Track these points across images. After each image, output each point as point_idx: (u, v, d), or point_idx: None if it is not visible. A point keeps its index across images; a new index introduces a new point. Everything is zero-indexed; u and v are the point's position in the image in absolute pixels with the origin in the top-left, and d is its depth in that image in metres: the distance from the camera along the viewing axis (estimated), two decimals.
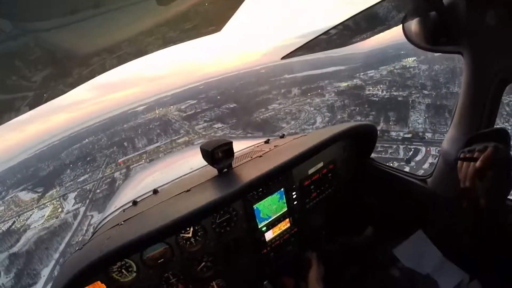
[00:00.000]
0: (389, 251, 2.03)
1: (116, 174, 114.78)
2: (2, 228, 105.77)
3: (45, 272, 69.60)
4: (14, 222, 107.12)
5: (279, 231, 2.40)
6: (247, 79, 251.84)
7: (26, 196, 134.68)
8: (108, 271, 1.86)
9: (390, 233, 2.32)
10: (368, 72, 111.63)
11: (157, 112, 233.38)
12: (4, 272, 75.09)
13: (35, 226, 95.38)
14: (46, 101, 1.06)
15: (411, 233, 1.97)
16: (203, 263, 2.16)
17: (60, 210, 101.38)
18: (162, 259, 2.00)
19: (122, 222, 2.04)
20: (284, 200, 2.33)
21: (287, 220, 2.41)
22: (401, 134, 65.82)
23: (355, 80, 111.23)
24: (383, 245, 2.24)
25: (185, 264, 2.09)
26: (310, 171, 2.38)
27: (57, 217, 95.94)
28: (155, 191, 2.58)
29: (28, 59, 0.67)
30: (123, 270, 1.90)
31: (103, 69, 1.17)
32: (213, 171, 2.37)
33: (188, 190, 2.21)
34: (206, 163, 2.50)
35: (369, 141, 2.50)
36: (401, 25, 1.88)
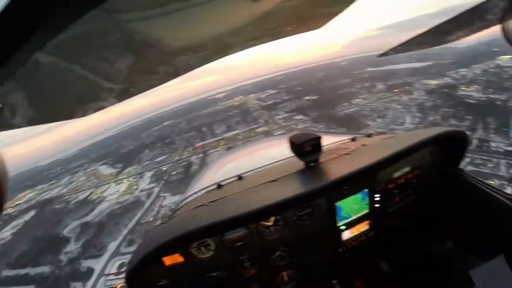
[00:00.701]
0: (465, 270, 1.95)
1: (193, 158, 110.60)
2: (80, 196, 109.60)
3: (111, 246, 66.99)
4: (91, 192, 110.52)
5: (356, 232, 2.35)
6: (328, 70, 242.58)
7: (105, 170, 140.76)
8: (189, 246, 1.97)
9: (470, 251, 2.25)
10: (460, 70, 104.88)
11: (236, 100, 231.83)
12: (74, 239, 74.46)
13: (109, 199, 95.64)
14: (132, 95, 1.08)
15: (493, 256, 1.87)
16: (278, 252, 2.19)
17: (135, 187, 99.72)
18: (240, 243, 2.05)
19: (208, 203, 2.09)
20: (367, 201, 2.27)
21: (367, 222, 2.35)
22: (503, 146, 56.82)
23: (445, 79, 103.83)
24: (460, 263, 2.21)
25: (261, 251, 2.14)
26: (396, 175, 2.30)
27: (131, 194, 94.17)
28: (240, 177, 2.58)
29: (116, 51, 0.67)
30: (201, 247, 2.00)
31: (188, 67, 1.13)
32: (299, 164, 2.31)
33: (275, 180, 2.19)
34: (289, 155, 2.47)
35: (460, 149, 2.31)
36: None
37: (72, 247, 70.40)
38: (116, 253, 63.85)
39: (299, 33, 1.23)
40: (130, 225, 72.93)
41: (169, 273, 1.97)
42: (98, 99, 0.93)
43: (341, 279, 2.35)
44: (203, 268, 2.04)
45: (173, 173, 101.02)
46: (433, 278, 2.29)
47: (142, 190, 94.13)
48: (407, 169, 2.28)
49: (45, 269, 64.77)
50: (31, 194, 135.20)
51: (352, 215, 2.24)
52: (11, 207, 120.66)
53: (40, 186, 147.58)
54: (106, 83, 0.81)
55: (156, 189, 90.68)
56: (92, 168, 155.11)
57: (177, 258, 1.94)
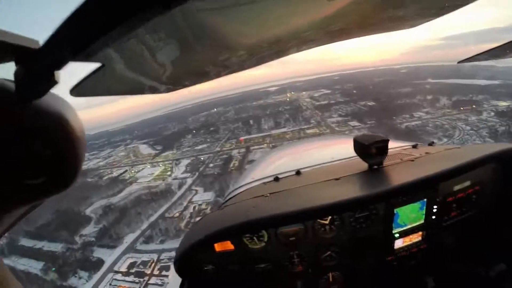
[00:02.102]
0: None
1: (234, 152, 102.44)
2: (114, 173, 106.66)
3: (128, 239, 60.35)
4: (126, 170, 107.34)
5: (409, 242, 2.28)
6: (386, 77, 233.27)
7: (145, 150, 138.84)
8: (242, 235, 1.97)
9: None
10: None
11: (288, 95, 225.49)
12: (94, 221, 69.06)
13: (141, 182, 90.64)
14: (178, 89, 1.09)
15: None
16: (329, 252, 2.15)
17: (169, 173, 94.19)
18: (294, 238, 2.03)
19: (268, 194, 2.09)
20: (424, 212, 2.21)
21: (421, 233, 2.28)
22: None
23: None
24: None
25: (312, 248, 2.12)
26: (456, 188, 2.22)
27: (164, 180, 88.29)
28: (298, 172, 2.56)
29: (178, 39, 0.66)
30: (254, 237, 1.99)
31: (241, 67, 1.10)
32: (362, 165, 2.30)
33: (337, 179, 2.18)
34: (349, 156, 2.54)
35: None
36: None
37: (90, 230, 65.42)
38: (130, 249, 57.12)
39: (363, 35, 1.16)
40: (153, 218, 64.99)
41: (217, 259, 1.97)
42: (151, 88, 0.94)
43: None
44: (252, 258, 2.03)
45: (210, 165, 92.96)
46: None
47: (175, 178, 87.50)
48: (467, 183, 2.22)
49: (59, 247, 60.75)
50: None
51: (408, 224, 2.20)
52: None
53: None
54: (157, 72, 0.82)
55: (189, 180, 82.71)
56: (133, 145, 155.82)
57: (228, 246, 1.94)
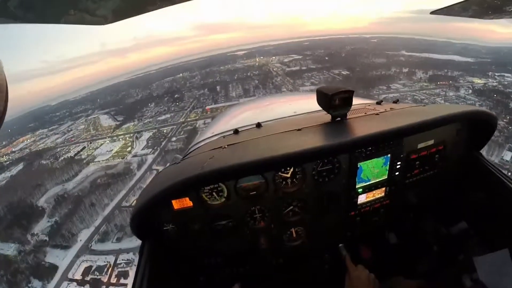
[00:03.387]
0: (470, 256, 1.93)
1: (199, 123, 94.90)
2: (71, 151, 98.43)
3: (82, 236, 54.56)
4: (84, 148, 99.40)
5: (372, 198, 2.30)
6: (357, 45, 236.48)
7: (106, 121, 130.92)
8: (200, 190, 1.90)
9: (480, 237, 2.23)
10: (505, 74, 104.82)
11: (257, 60, 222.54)
12: (47, 215, 62.23)
13: (98, 161, 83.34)
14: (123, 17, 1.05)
15: (501, 246, 1.80)
16: (291, 207, 2.15)
17: (129, 149, 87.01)
18: (255, 192, 1.99)
19: (226, 146, 2.02)
20: (387, 167, 2.21)
21: (383, 189, 2.30)
22: None
23: (490, 80, 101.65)
24: (466, 247, 2.20)
25: (275, 203, 2.10)
26: (419, 146, 2.25)
27: (123, 158, 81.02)
28: (258, 125, 2.47)
29: None
30: (213, 193, 1.93)
31: None
32: (325, 118, 2.23)
33: (299, 129, 2.11)
34: (313, 109, 2.55)
35: (486, 132, 2.28)
36: None
37: (43, 226, 59.02)
38: (85, 249, 51.54)
39: None
40: (108, 210, 58.69)
41: (176, 217, 1.92)
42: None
43: (348, 244, 2.32)
44: (212, 215, 1.99)
45: (173, 139, 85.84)
46: (438, 257, 2.30)
47: (135, 155, 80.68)
48: (431, 142, 2.25)
49: (11, 250, 54.29)
50: (28, 141, 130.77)
51: (371, 179, 2.21)
52: (5, 155, 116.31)
53: (40, 131, 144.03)
54: None
55: (150, 158, 75.84)
56: (93, 116, 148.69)
57: (186, 203, 1.88)
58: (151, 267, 1.66)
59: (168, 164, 2.04)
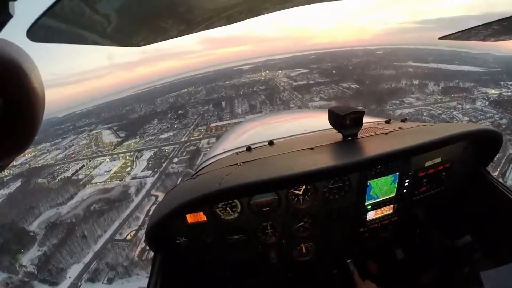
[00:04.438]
0: (477, 270, 1.90)
1: (203, 143, 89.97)
2: (70, 169, 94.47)
3: (71, 272, 49.41)
4: (83, 166, 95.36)
5: (381, 214, 2.36)
6: (363, 57, 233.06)
7: (108, 137, 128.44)
8: (214, 205, 1.96)
9: (486, 250, 2.27)
10: None
11: (263, 74, 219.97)
12: (38, 243, 57.30)
13: (96, 182, 79.02)
14: (139, 44, 1.07)
15: (506, 260, 1.77)
16: (302, 223, 2.21)
17: (128, 169, 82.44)
18: (267, 208, 2.04)
19: (242, 163, 2.06)
20: (396, 185, 2.27)
21: (392, 206, 2.36)
22: None
23: (503, 90, 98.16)
24: (474, 261, 2.24)
25: (286, 219, 2.15)
26: (427, 164, 2.30)
27: (121, 179, 76.41)
28: (270, 143, 2.54)
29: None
30: (227, 208, 1.99)
31: (207, 25, 1.10)
32: (337, 136, 2.31)
33: (312, 148, 2.18)
34: (324, 127, 2.66)
35: (492, 149, 2.34)
36: None
37: (33, 255, 54.12)
38: (73, 286, 46.40)
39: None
40: (100, 243, 53.49)
41: (189, 231, 1.97)
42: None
43: (356, 260, 2.39)
44: (225, 230, 2.04)
45: (175, 160, 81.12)
46: (445, 272, 2.34)
47: (134, 177, 76.13)
48: (438, 160, 2.30)
49: None
50: (30, 155, 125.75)
51: (380, 196, 2.26)
52: (7, 169, 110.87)
53: (42, 145, 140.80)
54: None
55: (149, 181, 70.97)
56: (96, 131, 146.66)
57: (200, 217, 1.93)
58: (162, 278, 1.69)
59: (181, 179, 2.01)
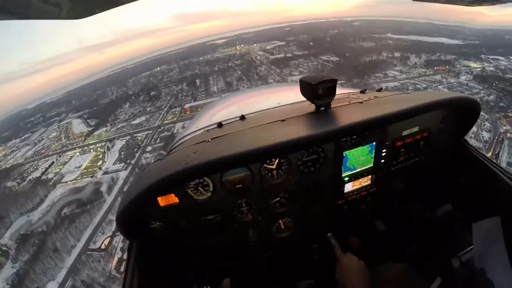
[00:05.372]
0: (457, 238, 2.07)
1: (178, 127, 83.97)
2: (40, 167, 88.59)
3: None
4: (52, 163, 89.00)
5: (358, 186, 2.34)
6: (340, 29, 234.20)
7: (78, 127, 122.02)
8: (185, 186, 1.89)
9: (466, 219, 2.22)
10: (499, 58, 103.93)
11: (238, 48, 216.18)
12: (11, 259, 52.11)
13: (66, 181, 72.83)
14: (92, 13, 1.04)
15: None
16: (278, 198, 2.16)
17: (99, 163, 77.00)
18: (241, 185, 1.98)
19: (210, 140, 2.03)
20: (373, 155, 2.24)
21: (370, 177, 2.34)
22: None
23: (485, 64, 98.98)
24: (454, 230, 2.25)
25: (261, 195, 2.10)
26: (405, 133, 2.27)
27: (92, 176, 70.92)
28: (242, 117, 2.51)
29: None
30: (199, 188, 1.91)
31: None
32: (309, 108, 2.27)
33: (283, 120, 2.13)
34: (298, 100, 2.59)
35: (470, 118, 2.31)
36: None
37: (7, 274, 49.23)
38: None
39: None
40: (74, 256, 48.43)
41: (163, 214, 1.90)
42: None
43: (336, 233, 2.31)
44: (199, 210, 1.99)
45: (148, 149, 75.42)
46: (426, 240, 2.36)
47: (106, 172, 70.40)
48: (415, 129, 2.27)
49: None
50: (0, 154, 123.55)
51: (357, 168, 2.24)
52: None
53: (12, 142, 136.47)
54: None
55: (122, 176, 65.29)
56: (66, 121, 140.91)
57: (172, 199, 1.86)
58: (140, 266, 1.63)
59: (152, 161, 1.98)
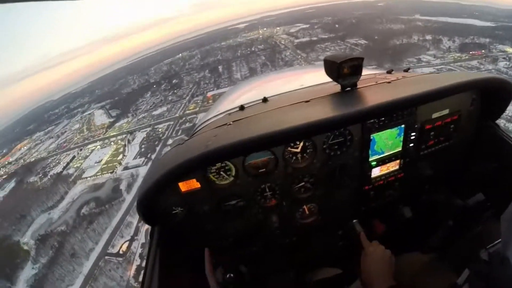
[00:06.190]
0: (487, 228, 1.99)
1: (200, 117, 74.86)
2: (62, 161, 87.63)
3: None
4: (74, 157, 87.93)
5: (386, 171, 2.24)
6: (365, 10, 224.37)
7: (100, 118, 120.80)
8: (207, 171, 1.84)
9: (497, 209, 2.10)
10: None
11: (260, 32, 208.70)
12: (32, 260, 50.13)
13: (87, 177, 70.80)
14: None
15: None
16: (303, 183, 2.09)
17: (120, 157, 73.94)
18: (264, 169, 1.92)
19: (231, 122, 1.94)
20: (401, 138, 2.14)
21: (398, 161, 2.24)
22: None
23: None
24: (484, 220, 2.13)
25: (285, 180, 2.04)
26: (434, 115, 2.16)
27: (112, 171, 67.97)
28: (264, 100, 2.40)
29: None
30: (221, 172, 1.86)
31: None
32: (335, 88, 2.14)
33: (307, 101, 2.04)
34: (322, 82, 2.51)
35: (503, 101, 2.14)
36: None
37: (27, 274, 47.68)
38: None
39: None
40: (92, 260, 44.84)
41: (184, 200, 1.86)
42: None
43: (362, 220, 2.25)
44: (221, 196, 1.94)
45: (169, 142, 70.50)
46: (454, 229, 2.21)
47: (126, 168, 66.93)
48: (446, 111, 2.16)
49: None
50: (25, 148, 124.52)
51: (385, 151, 2.15)
52: (2, 167, 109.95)
53: (37, 135, 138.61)
54: None
55: (142, 172, 61.04)
56: (89, 112, 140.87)
57: (193, 184, 1.82)
58: (162, 252, 1.62)
59: (173, 145, 1.99)
